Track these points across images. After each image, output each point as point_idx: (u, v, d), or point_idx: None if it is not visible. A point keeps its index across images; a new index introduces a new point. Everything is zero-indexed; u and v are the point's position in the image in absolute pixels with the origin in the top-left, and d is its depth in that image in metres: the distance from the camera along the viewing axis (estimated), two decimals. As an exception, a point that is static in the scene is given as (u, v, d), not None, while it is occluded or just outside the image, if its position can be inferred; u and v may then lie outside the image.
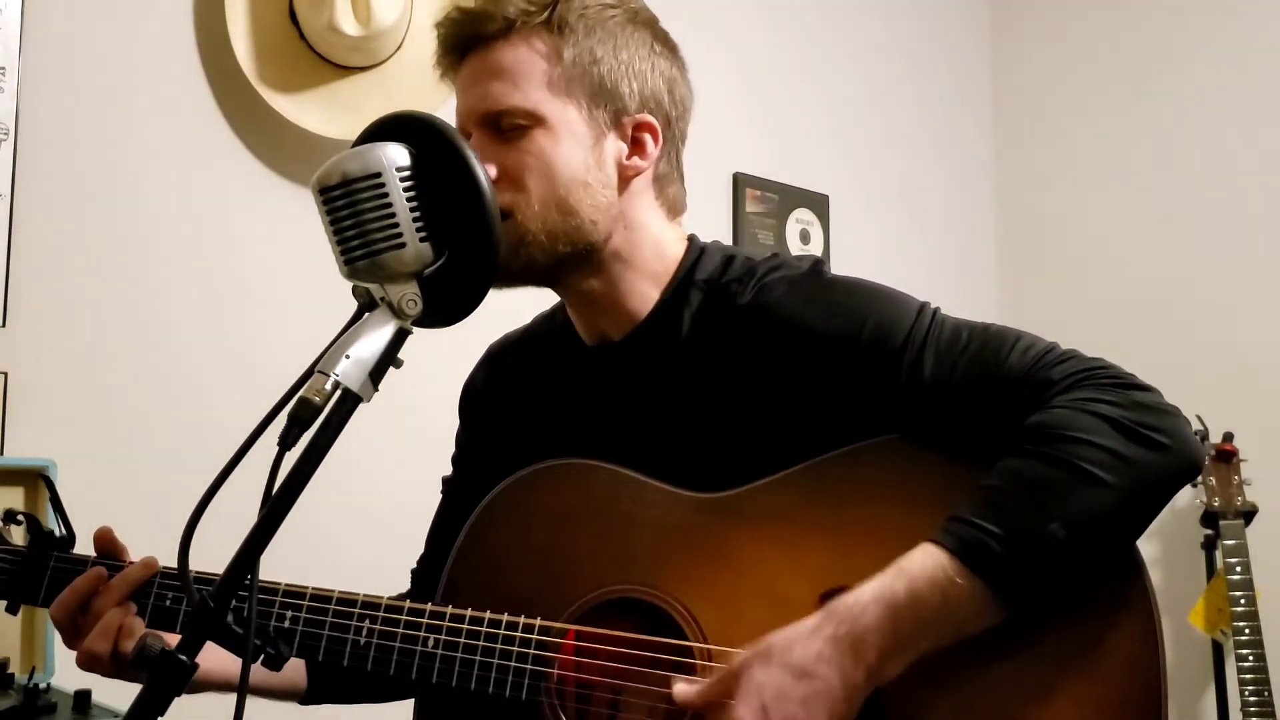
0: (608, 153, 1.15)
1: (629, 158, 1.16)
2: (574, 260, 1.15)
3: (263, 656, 0.90)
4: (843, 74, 3.27)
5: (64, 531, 1.24)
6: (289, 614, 1.15)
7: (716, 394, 1.14)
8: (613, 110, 1.15)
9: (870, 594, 0.98)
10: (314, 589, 1.16)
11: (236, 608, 0.85)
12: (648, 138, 1.17)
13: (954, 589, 0.97)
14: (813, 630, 0.99)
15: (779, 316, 1.13)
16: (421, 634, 1.12)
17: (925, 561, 0.99)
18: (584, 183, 1.13)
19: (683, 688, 1.03)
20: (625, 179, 1.16)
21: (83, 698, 1.52)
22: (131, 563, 1.20)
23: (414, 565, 1.40)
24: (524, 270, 1.13)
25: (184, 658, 0.82)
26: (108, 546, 1.22)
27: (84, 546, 1.25)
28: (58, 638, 1.66)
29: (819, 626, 0.99)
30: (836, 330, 1.10)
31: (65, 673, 1.64)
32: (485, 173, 0.96)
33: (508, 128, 1.12)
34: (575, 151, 1.12)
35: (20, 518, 1.24)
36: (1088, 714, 1.02)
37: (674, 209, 1.23)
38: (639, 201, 1.18)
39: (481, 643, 1.11)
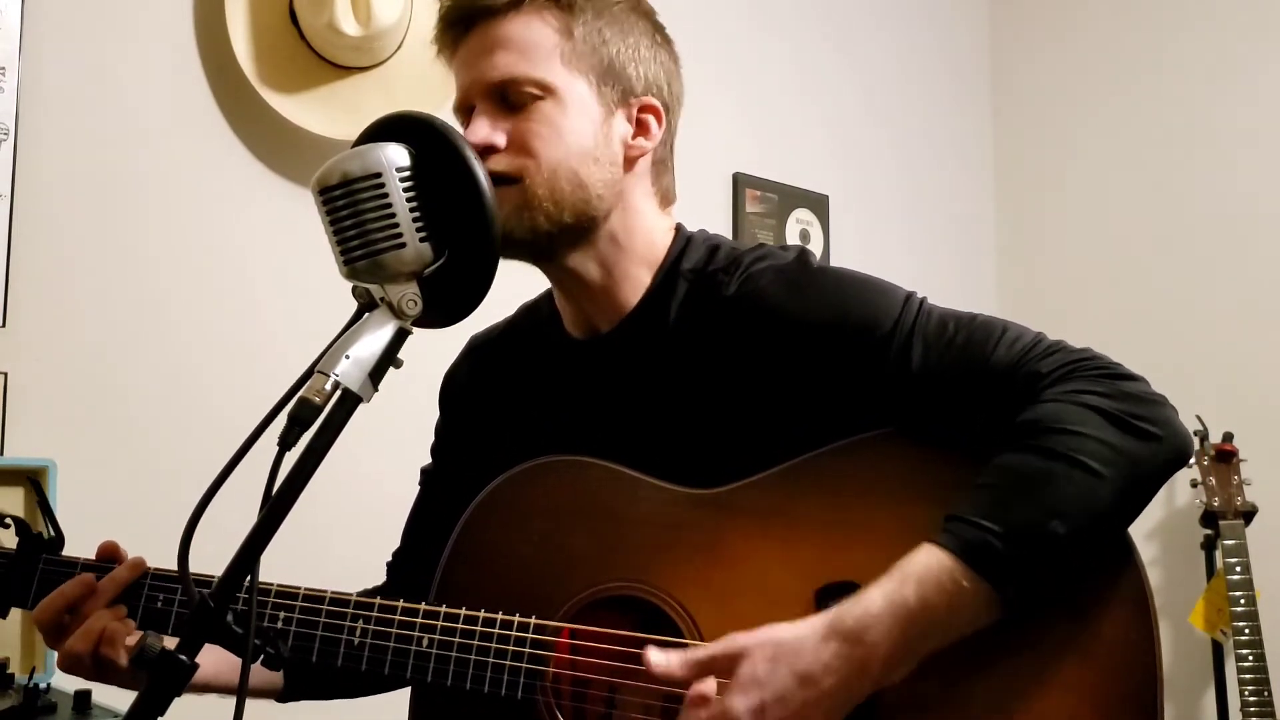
0: (615, 131, 1.15)
1: (634, 138, 1.17)
2: (575, 233, 1.14)
3: (263, 656, 0.90)
4: (843, 74, 3.27)
5: (52, 533, 1.23)
6: (282, 615, 1.14)
7: (704, 385, 1.14)
8: (620, 90, 1.15)
9: (880, 604, 0.97)
10: (306, 589, 1.15)
11: (235, 608, 0.85)
12: (651, 120, 1.18)
13: (959, 592, 0.97)
14: (822, 640, 0.97)
15: (765, 307, 1.12)
16: (416, 634, 1.12)
17: (930, 564, 0.98)
18: (594, 157, 1.13)
19: (659, 656, 0.99)
20: (629, 160, 1.16)
21: (83, 698, 1.52)
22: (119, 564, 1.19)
23: (389, 558, 1.40)
24: (527, 237, 1.11)
25: (184, 658, 0.82)
26: (107, 554, 1.22)
27: (75, 547, 1.24)
28: (58, 638, 1.66)
29: (827, 636, 0.97)
30: (822, 320, 1.10)
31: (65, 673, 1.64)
32: (486, 172, 0.96)
33: (516, 99, 1.11)
34: (585, 125, 1.13)
35: (8, 521, 1.23)
36: (1083, 703, 1.01)
37: (666, 198, 1.23)
38: (638, 185, 1.18)
39: (476, 641, 1.10)
